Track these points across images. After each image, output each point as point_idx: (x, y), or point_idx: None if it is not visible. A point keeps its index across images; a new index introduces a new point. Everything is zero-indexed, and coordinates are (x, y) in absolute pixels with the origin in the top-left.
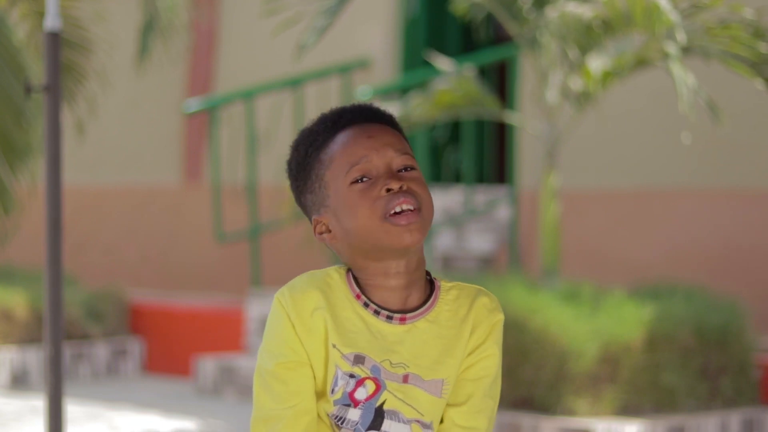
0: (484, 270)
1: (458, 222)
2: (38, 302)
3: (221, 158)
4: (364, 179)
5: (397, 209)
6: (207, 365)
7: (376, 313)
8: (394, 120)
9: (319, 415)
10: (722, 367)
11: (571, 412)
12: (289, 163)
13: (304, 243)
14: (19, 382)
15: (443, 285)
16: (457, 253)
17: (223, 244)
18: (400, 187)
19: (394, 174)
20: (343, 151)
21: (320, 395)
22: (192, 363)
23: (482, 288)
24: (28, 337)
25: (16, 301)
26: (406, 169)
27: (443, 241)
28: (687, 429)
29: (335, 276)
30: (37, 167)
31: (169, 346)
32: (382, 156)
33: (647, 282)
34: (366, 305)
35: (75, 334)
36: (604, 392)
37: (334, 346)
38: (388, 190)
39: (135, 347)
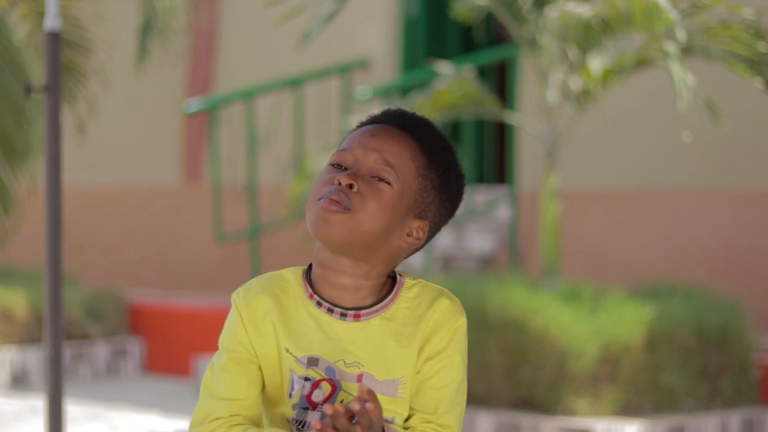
0: (484, 270)
1: (458, 222)
2: (38, 302)
3: (221, 158)
4: (339, 166)
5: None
6: (207, 365)
7: (330, 311)
8: (431, 138)
9: (273, 421)
10: (722, 367)
11: (571, 412)
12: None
13: (303, 243)
14: (19, 382)
15: (406, 282)
16: (457, 253)
17: (223, 244)
18: (350, 185)
19: (358, 174)
20: (348, 137)
21: (278, 401)
22: (192, 363)
23: (445, 289)
24: (28, 337)
25: (16, 301)
26: (378, 177)
27: (443, 241)
28: (687, 429)
29: (290, 278)
30: (37, 167)
31: (169, 346)
32: (366, 155)
33: (647, 282)
34: (319, 304)
35: (75, 334)
36: (604, 392)
37: (287, 350)
38: (338, 184)
39: (135, 347)
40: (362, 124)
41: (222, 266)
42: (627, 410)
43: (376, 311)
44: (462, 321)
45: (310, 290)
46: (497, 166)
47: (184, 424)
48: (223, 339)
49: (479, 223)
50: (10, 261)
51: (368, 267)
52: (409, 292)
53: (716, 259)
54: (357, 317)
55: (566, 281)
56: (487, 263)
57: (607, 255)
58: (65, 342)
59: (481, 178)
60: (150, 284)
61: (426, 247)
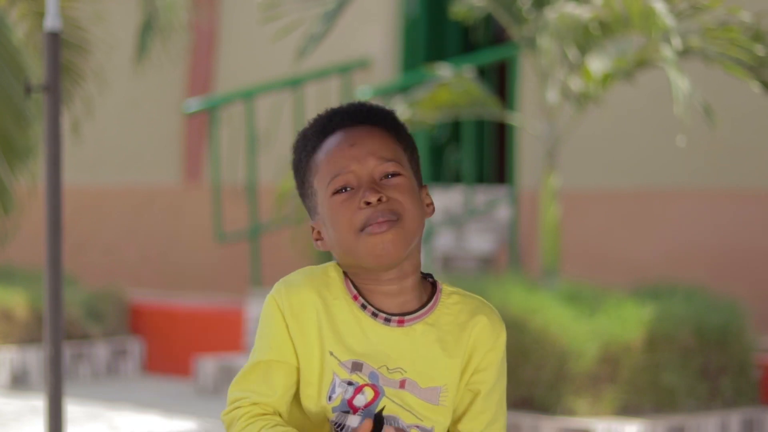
0: (484, 270)
1: (458, 222)
2: (38, 302)
3: (221, 158)
4: (345, 189)
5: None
6: (207, 365)
7: (374, 315)
8: (389, 118)
9: (296, 417)
10: (722, 367)
11: (571, 412)
12: (292, 164)
13: (299, 242)
14: (19, 382)
15: (444, 288)
16: (457, 253)
17: (223, 244)
18: (379, 199)
19: (374, 185)
20: (326, 160)
21: (310, 398)
22: (192, 363)
23: (484, 300)
24: (28, 337)
25: (16, 301)
26: (389, 176)
27: (443, 241)
28: (687, 429)
29: (333, 274)
30: (37, 167)
31: (169, 346)
32: (363, 165)
33: (647, 282)
34: (364, 307)
35: (75, 334)
36: (604, 392)
37: (331, 353)
38: (367, 204)
39: (135, 347)
40: (304, 144)
41: (222, 266)
42: (627, 410)
43: (420, 317)
44: (504, 336)
45: (354, 291)
46: (497, 166)
47: (184, 424)
48: (261, 334)
49: (479, 223)
50: (10, 261)
51: (408, 262)
52: (449, 299)
53: (716, 259)
54: (401, 323)
55: (566, 281)
56: (487, 263)
57: (607, 255)
58: (65, 342)
59: (481, 178)
60: (150, 284)
61: (426, 247)
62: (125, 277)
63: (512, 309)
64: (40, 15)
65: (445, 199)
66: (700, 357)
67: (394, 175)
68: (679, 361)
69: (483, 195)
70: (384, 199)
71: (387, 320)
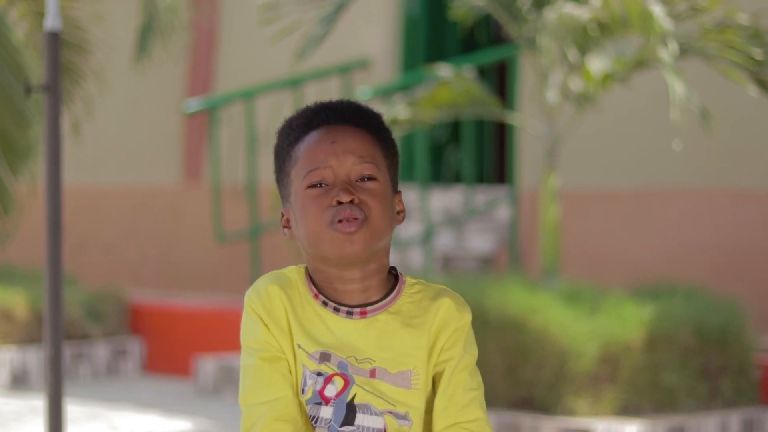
0: (484, 270)
1: (458, 222)
2: (38, 302)
3: (221, 158)
4: (320, 185)
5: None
6: (207, 365)
7: (336, 310)
8: (376, 121)
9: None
10: (722, 367)
11: (571, 412)
12: (273, 149)
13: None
14: (19, 382)
15: (408, 280)
16: (457, 253)
17: (223, 244)
18: (351, 201)
19: (349, 185)
20: (306, 153)
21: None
22: (192, 363)
23: (447, 287)
24: (28, 337)
25: (16, 301)
26: (365, 178)
27: (443, 241)
28: (687, 429)
29: (294, 276)
30: (37, 167)
31: (169, 346)
32: (341, 163)
33: (647, 282)
34: (325, 304)
35: (75, 334)
36: (604, 392)
37: (299, 346)
38: (339, 203)
39: (135, 347)
40: (288, 133)
41: (222, 266)
42: (627, 410)
43: (382, 307)
44: (467, 318)
45: (315, 290)
46: (497, 166)
47: (184, 424)
48: (247, 341)
49: (479, 223)
50: (10, 261)
51: (375, 264)
52: (411, 289)
53: (716, 259)
54: (363, 314)
55: (566, 281)
56: (487, 263)
57: (607, 255)
58: (65, 342)
59: (481, 178)
60: (150, 284)
61: (426, 247)
62: (125, 277)
63: (512, 309)
64: (40, 15)
65: (445, 199)
66: (700, 357)
67: (369, 178)
68: (679, 361)
69: (483, 195)
70: (356, 201)
71: (349, 313)
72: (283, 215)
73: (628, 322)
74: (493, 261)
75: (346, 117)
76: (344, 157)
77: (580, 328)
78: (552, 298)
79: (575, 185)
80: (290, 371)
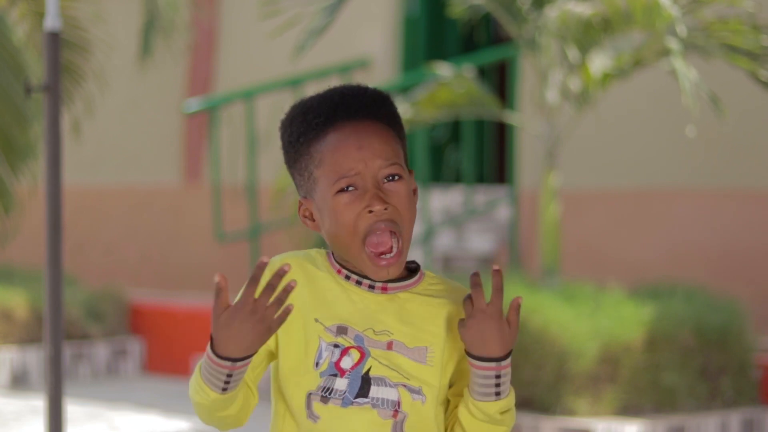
0: (484, 270)
1: (458, 222)
2: (38, 302)
3: (221, 158)
4: (350, 188)
5: (376, 243)
6: None
7: (358, 283)
8: (389, 108)
9: (293, 395)
10: (722, 367)
11: (571, 412)
12: (282, 135)
13: (295, 238)
14: (19, 382)
15: (428, 273)
16: (457, 253)
17: (223, 244)
18: (385, 208)
19: (379, 190)
20: (332, 157)
21: (301, 372)
22: (192, 363)
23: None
24: (28, 337)
25: (16, 301)
26: (391, 177)
27: (443, 241)
28: (687, 429)
29: (316, 255)
30: (37, 167)
31: (169, 346)
32: (369, 168)
33: (647, 282)
34: (347, 277)
35: (75, 334)
36: (604, 392)
37: (316, 320)
38: (371, 212)
39: (135, 347)
40: (306, 126)
41: (222, 266)
42: (627, 410)
43: (403, 287)
44: None
45: (338, 266)
46: (497, 166)
47: (184, 424)
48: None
49: (479, 223)
50: (10, 261)
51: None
52: (432, 280)
53: (716, 259)
54: (385, 290)
55: (566, 281)
56: (487, 263)
57: (607, 255)
58: (65, 342)
59: (481, 178)
60: (150, 284)
61: (426, 247)
62: (125, 277)
63: None
64: (40, 15)
65: (445, 199)
66: (700, 357)
67: (395, 177)
68: (679, 361)
69: (483, 195)
70: (388, 209)
71: (371, 287)
72: (301, 204)
73: (628, 322)
74: (493, 261)
75: (366, 111)
76: (372, 162)
77: (580, 327)
78: (552, 298)
79: (575, 185)
80: (264, 361)
